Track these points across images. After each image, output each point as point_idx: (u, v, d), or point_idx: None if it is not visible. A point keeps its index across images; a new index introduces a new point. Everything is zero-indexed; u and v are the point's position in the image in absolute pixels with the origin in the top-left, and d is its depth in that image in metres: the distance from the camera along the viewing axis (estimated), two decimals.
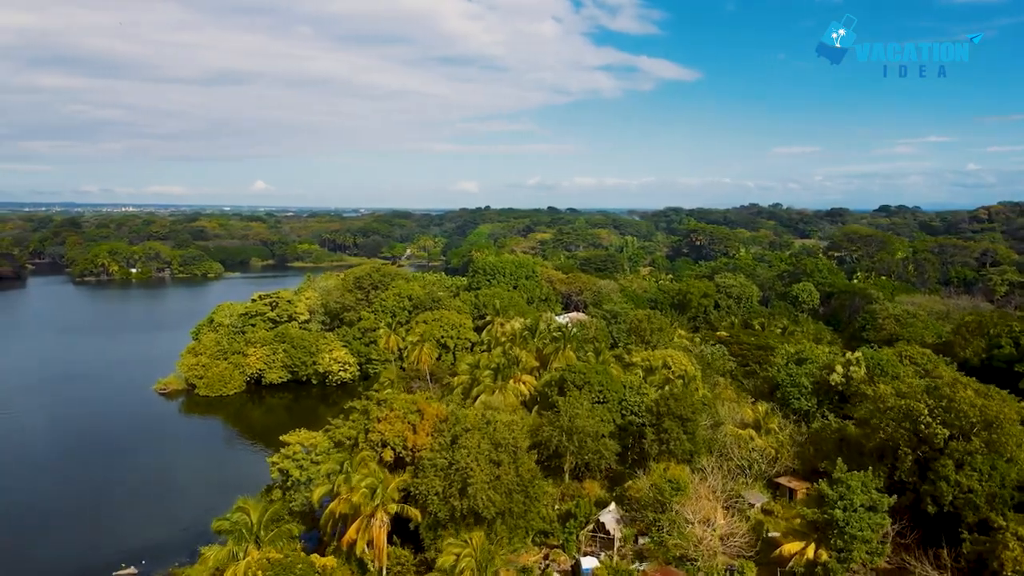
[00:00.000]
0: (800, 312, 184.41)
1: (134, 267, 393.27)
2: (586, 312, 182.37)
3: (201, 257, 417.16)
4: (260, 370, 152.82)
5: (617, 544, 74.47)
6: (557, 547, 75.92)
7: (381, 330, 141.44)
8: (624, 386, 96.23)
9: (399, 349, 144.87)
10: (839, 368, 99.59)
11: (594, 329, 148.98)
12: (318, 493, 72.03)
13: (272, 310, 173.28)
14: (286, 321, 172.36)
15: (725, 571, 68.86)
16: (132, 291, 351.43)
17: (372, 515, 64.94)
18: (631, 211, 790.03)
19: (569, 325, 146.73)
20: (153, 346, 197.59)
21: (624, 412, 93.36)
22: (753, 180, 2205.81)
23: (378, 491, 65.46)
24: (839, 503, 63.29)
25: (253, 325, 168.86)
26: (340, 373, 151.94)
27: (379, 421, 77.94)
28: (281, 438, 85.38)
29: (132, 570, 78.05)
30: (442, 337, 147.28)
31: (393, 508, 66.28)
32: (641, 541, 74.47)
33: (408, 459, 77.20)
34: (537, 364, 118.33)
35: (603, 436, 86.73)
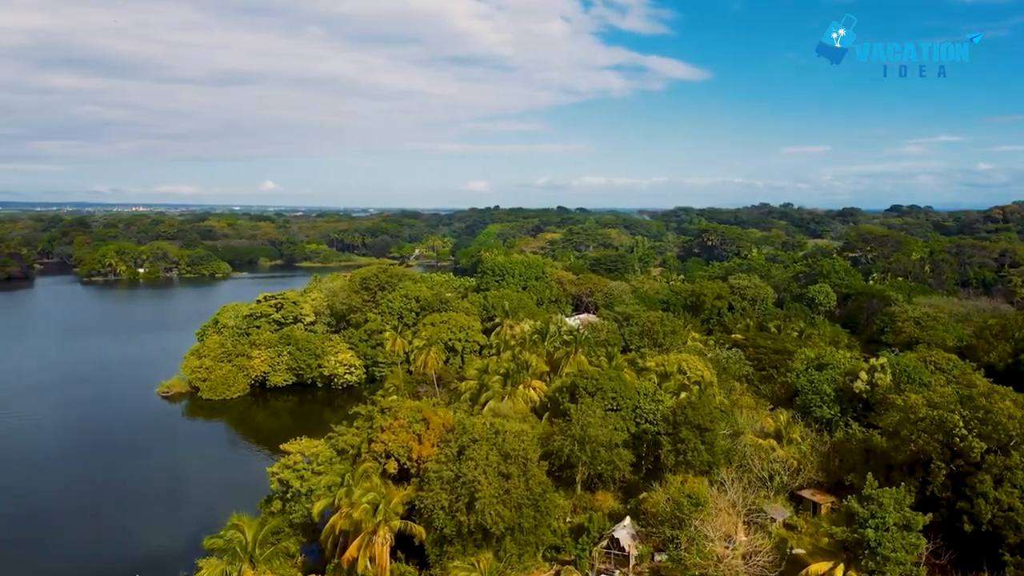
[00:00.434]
0: (816, 314, 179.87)
1: (142, 267, 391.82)
2: (597, 314, 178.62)
3: (209, 257, 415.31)
4: (264, 373, 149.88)
5: (633, 562, 70.80)
6: (569, 563, 72.25)
7: (387, 333, 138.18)
8: (638, 392, 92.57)
9: (406, 352, 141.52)
10: (863, 375, 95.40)
11: (605, 332, 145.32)
12: (318, 507, 68.68)
13: (277, 311, 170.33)
14: (291, 323, 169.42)
15: None
16: (139, 291, 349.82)
17: (374, 532, 61.46)
18: (641, 211, 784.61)
19: (580, 328, 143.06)
20: (157, 347, 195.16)
21: (638, 420, 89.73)
22: (763, 180, 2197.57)
23: (380, 507, 62.04)
24: (871, 521, 59.23)
25: (258, 327, 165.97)
26: (346, 376, 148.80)
27: (383, 431, 74.51)
28: (281, 447, 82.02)
29: None
30: (450, 340, 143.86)
31: (396, 524, 62.87)
32: (658, 558, 70.70)
33: (413, 471, 73.79)
34: (547, 369, 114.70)
35: (617, 445, 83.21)
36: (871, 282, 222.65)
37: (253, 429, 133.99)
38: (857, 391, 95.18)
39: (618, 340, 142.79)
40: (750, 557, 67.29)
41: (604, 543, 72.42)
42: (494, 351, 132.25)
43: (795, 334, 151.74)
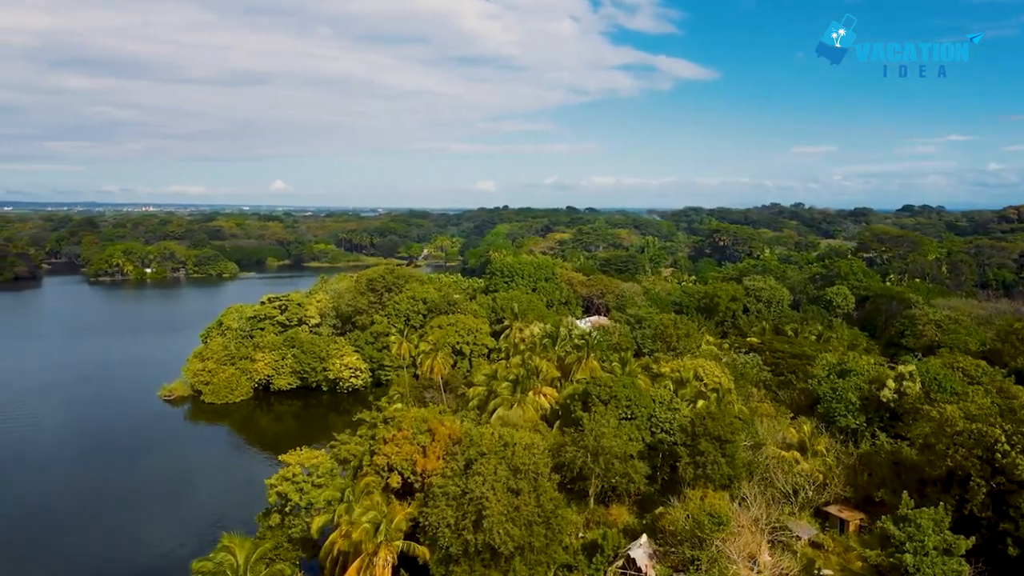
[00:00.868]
0: (834, 317, 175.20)
1: (149, 267, 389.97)
2: (609, 316, 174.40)
3: (216, 257, 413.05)
4: (268, 376, 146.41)
5: None
6: None
7: (393, 336, 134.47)
8: (653, 400, 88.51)
9: (412, 356, 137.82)
10: (891, 383, 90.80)
11: (617, 335, 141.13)
12: (316, 524, 64.94)
13: (282, 313, 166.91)
14: (296, 325, 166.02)
15: None
16: (146, 291, 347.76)
17: (375, 553, 57.64)
18: (650, 211, 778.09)
19: (592, 331, 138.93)
20: (161, 348, 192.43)
21: (654, 430, 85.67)
22: (772, 180, 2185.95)
23: (382, 526, 58.21)
24: (908, 545, 55.23)
25: (262, 329, 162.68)
26: (351, 380, 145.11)
27: (385, 442, 70.63)
28: (280, 458, 78.29)
29: None
30: (457, 343, 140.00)
31: (398, 545, 59.02)
32: None
33: (417, 485, 69.88)
34: (558, 374, 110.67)
35: (632, 457, 79.22)
36: (888, 283, 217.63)
37: (256, 434, 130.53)
38: (884, 400, 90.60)
39: (631, 344, 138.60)
40: None
41: (619, 563, 68.39)
42: (503, 355, 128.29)
43: (813, 338, 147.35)
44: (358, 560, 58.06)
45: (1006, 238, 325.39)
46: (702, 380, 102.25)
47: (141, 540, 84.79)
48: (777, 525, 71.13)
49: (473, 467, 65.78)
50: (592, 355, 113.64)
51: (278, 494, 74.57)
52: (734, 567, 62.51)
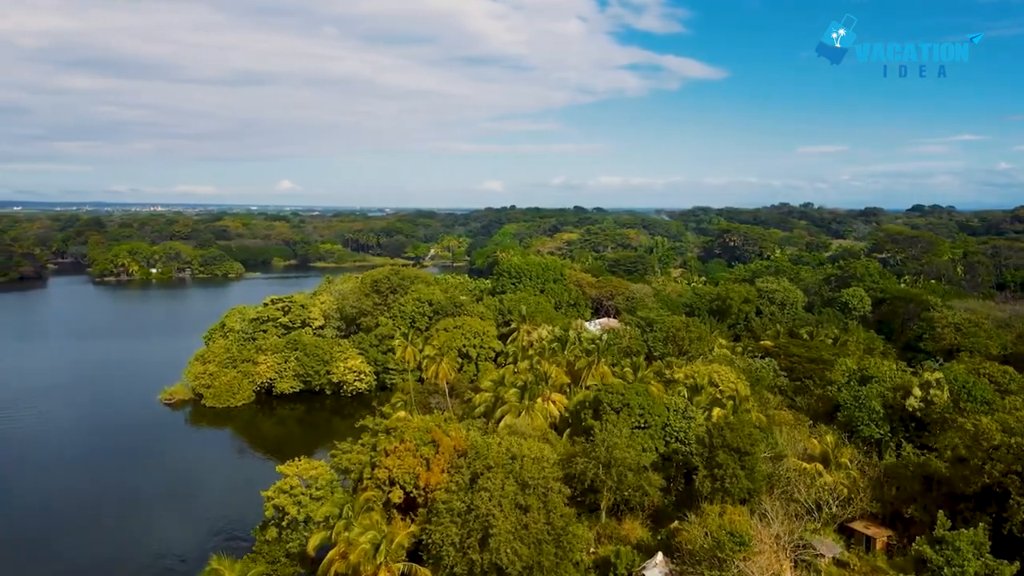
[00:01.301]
0: (849, 319, 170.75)
1: (154, 267, 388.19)
2: (619, 319, 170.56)
3: (222, 257, 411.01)
4: (271, 379, 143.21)
5: None
6: None
7: (397, 340, 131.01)
8: (667, 408, 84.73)
9: (417, 360, 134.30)
10: (917, 391, 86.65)
11: (628, 338, 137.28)
12: (313, 543, 61.54)
13: (285, 315, 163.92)
14: (299, 327, 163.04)
15: None
16: (151, 292, 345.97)
17: (374, 575, 54.17)
18: (658, 211, 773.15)
19: (602, 335, 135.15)
20: (163, 350, 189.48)
21: (668, 439, 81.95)
22: (780, 179, 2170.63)
23: (382, 547, 54.77)
24: (947, 570, 51.44)
25: (265, 331, 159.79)
26: (355, 383, 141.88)
27: (387, 454, 67.13)
28: (278, 468, 75.04)
29: None
30: (464, 346, 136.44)
31: (399, 568, 55.51)
32: None
33: (420, 499, 66.40)
34: (568, 380, 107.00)
35: (645, 469, 75.51)
36: (903, 285, 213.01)
37: (259, 438, 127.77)
38: (910, 408, 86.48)
39: (642, 348, 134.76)
40: None
41: None
42: (510, 359, 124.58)
43: (829, 341, 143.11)
44: None
45: (1020, 238, 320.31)
46: (717, 386, 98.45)
47: (141, 541, 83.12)
48: (800, 542, 67.25)
49: (479, 481, 62.35)
50: (603, 360, 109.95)
51: (275, 507, 71.41)
52: None
